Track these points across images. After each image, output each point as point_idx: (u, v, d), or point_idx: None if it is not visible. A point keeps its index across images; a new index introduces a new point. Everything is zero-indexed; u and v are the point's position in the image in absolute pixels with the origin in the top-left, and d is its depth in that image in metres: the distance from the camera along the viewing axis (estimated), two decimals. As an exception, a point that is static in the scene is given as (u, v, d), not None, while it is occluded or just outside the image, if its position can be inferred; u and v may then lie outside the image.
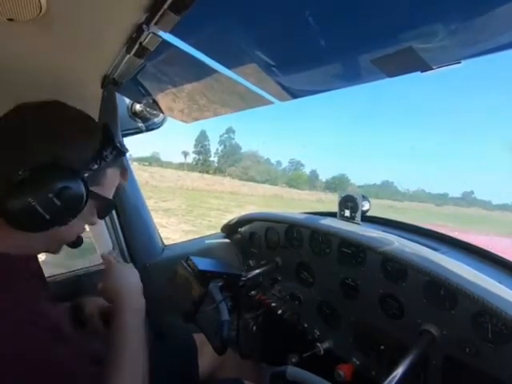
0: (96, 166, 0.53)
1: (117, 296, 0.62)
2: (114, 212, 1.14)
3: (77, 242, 0.64)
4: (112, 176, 0.58)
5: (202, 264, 0.84)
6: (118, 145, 0.58)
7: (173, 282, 0.88)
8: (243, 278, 0.94)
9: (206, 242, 1.43)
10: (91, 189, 0.52)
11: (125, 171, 0.63)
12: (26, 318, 0.43)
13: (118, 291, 0.63)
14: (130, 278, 0.67)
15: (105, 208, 0.61)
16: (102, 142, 0.55)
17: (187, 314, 0.81)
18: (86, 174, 0.51)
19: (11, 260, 0.50)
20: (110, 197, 0.60)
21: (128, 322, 0.59)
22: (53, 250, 0.59)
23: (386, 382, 0.62)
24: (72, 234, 0.58)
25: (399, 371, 0.64)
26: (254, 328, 1.31)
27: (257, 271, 1.11)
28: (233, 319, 0.86)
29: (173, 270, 0.91)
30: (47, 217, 0.47)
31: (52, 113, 0.54)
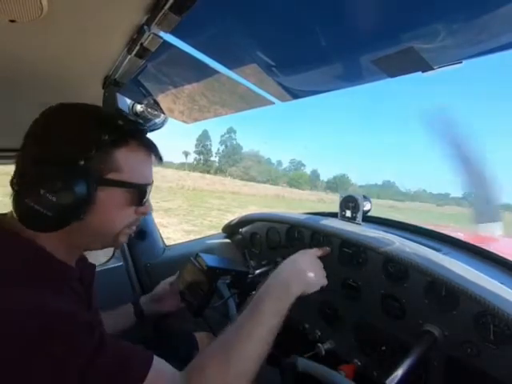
0: (95, 153, 0.49)
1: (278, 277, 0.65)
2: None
3: (139, 235, 0.67)
4: (127, 158, 0.53)
5: (211, 260, 0.85)
6: (121, 123, 0.53)
7: (182, 277, 0.88)
8: (250, 276, 0.95)
9: (207, 242, 1.43)
10: (108, 176, 0.51)
11: (149, 148, 0.58)
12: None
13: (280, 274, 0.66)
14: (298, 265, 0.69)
15: (137, 194, 0.56)
16: (96, 127, 0.51)
17: (196, 309, 0.81)
18: (83, 163, 0.48)
19: (52, 260, 0.51)
20: (140, 180, 0.56)
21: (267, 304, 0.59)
22: (103, 244, 0.58)
23: (387, 381, 0.62)
24: (113, 227, 0.55)
25: (400, 372, 0.64)
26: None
27: (258, 271, 1.11)
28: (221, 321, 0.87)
29: (182, 266, 0.93)
30: (49, 214, 0.46)
31: (44, 116, 0.54)
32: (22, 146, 0.52)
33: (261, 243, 1.27)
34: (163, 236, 1.38)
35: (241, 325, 0.57)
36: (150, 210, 0.62)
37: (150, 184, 0.59)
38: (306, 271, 0.68)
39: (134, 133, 0.55)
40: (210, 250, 1.37)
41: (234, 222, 1.39)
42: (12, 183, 0.49)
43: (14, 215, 0.47)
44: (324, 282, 0.73)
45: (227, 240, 1.44)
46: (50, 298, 0.45)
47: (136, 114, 1.14)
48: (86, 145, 0.49)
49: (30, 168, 0.49)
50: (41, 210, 0.45)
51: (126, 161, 0.53)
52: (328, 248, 0.82)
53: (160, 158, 0.60)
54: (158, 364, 0.49)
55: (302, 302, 1.10)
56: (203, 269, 0.83)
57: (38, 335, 0.40)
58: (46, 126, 0.52)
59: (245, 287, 0.91)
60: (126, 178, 0.53)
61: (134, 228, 0.61)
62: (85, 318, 0.46)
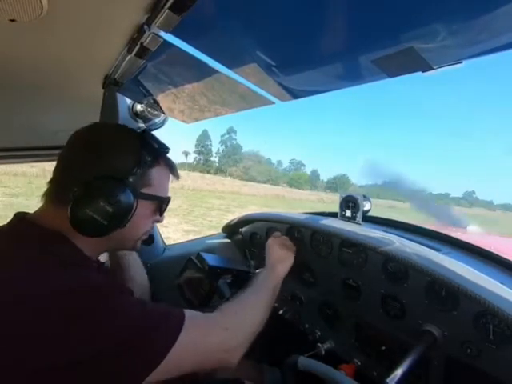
0: (139, 170, 0.58)
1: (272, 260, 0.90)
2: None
3: (149, 240, 0.76)
4: (159, 175, 0.63)
5: (213, 260, 0.86)
6: (156, 145, 0.63)
7: (182, 276, 0.88)
8: (251, 274, 0.95)
9: (207, 242, 1.43)
10: (142, 191, 0.60)
11: (173, 168, 0.68)
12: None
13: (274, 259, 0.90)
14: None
15: (161, 205, 0.66)
16: (140, 147, 0.59)
17: (196, 309, 0.81)
18: (131, 179, 0.56)
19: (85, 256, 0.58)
20: (164, 194, 0.65)
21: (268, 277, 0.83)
22: (125, 247, 0.68)
23: (388, 380, 0.62)
24: (138, 233, 0.65)
25: (399, 371, 0.64)
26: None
27: (258, 271, 1.11)
28: None
29: (182, 265, 0.92)
30: (105, 223, 0.53)
31: (92, 133, 0.61)
32: (66, 157, 0.59)
33: (261, 243, 1.27)
34: (163, 236, 1.38)
35: (247, 290, 0.76)
36: (163, 220, 0.72)
37: (170, 198, 0.68)
38: (276, 256, 0.91)
39: (163, 154, 0.65)
40: (210, 250, 1.37)
41: (234, 221, 1.39)
42: (56, 191, 0.57)
43: (69, 216, 0.51)
44: (290, 250, 0.95)
45: (227, 240, 1.44)
46: (85, 276, 0.51)
47: (136, 113, 1.14)
48: (135, 164, 0.57)
49: (88, 182, 0.53)
50: (98, 219, 0.52)
51: (157, 178, 0.62)
52: (278, 233, 1.02)
53: (178, 177, 0.70)
54: (190, 312, 0.58)
55: (302, 301, 1.10)
56: (204, 268, 0.83)
57: (80, 310, 0.46)
58: (99, 143, 0.58)
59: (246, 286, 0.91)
60: (155, 192, 0.62)
61: (148, 234, 0.71)
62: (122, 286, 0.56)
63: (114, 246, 0.68)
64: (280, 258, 0.91)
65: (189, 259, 0.89)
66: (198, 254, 0.88)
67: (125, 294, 0.54)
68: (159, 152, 0.64)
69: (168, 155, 0.68)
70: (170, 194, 0.69)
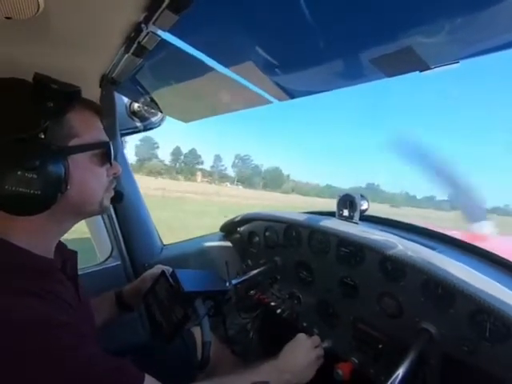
0: (47, 122, 0.47)
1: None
2: (112, 211, 1.14)
3: (118, 198, 0.65)
4: (79, 120, 0.53)
5: (188, 282, 0.76)
6: (56, 86, 0.49)
7: (153, 292, 0.79)
8: (228, 292, 0.85)
9: (205, 241, 1.43)
10: (70, 144, 0.51)
11: (93, 106, 0.58)
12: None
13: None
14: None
15: (103, 153, 0.57)
16: (33, 95, 0.48)
17: (168, 336, 0.73)
18: (43, 136, 0.47)
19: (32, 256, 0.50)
20: (98, 139, 0.56)
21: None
22: (87, 212, 0.58)
23: (389, 382, 0.63)
24: (92, 192, 0.56)
25: (400, 371, 0.64)
26: (253, 327, 1.31)
27: (256, 271, 1.11)
28: (217, 321, 0.84)
29: (181, 266, 0.86)
30: (38, 193, 0.45)
31: None
32: None
33: (259, 242, 1.27)
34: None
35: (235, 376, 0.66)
36: (120, 170, 0.63)
37: (109, 141, 0.59)
38: (299, 362, 0.77)
39: (74, 94, 0.53)
40: (207, 250, 1.36)
41: (233, 221, 1.39)
42: None
43: None
44: (311, 374, 0.79)
45: (225, 239, 1.44)
46: (16, 306, 0.42)
47: (133, 112, 1.14)
48: (35, 116, 0.47)
49: None
50: (27, 191, 0.44)
51: (80, 123, 0.53)
52: (317, 337, 0.89)
53: (102, 113, 0.60)
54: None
55: (301, 300, 1.11)
56: (179, 291, 0.73)
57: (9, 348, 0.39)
58: None
59: (222, 304, 0.82)
60: (87, 140, 0.54)
61: (113, 191, 0.63)
62: (59, 319, 0.44)
63: (73, 217, 0.57)
64: (303, 367, 0.77)
65: (162, 274, 0.79)
66: (173, 271, 0.78)
67: (56, 330, 0.43)
68: (65, 93, 0.50)
69: (80, 94, 0.54)
70: (107, 137, 0.59)
